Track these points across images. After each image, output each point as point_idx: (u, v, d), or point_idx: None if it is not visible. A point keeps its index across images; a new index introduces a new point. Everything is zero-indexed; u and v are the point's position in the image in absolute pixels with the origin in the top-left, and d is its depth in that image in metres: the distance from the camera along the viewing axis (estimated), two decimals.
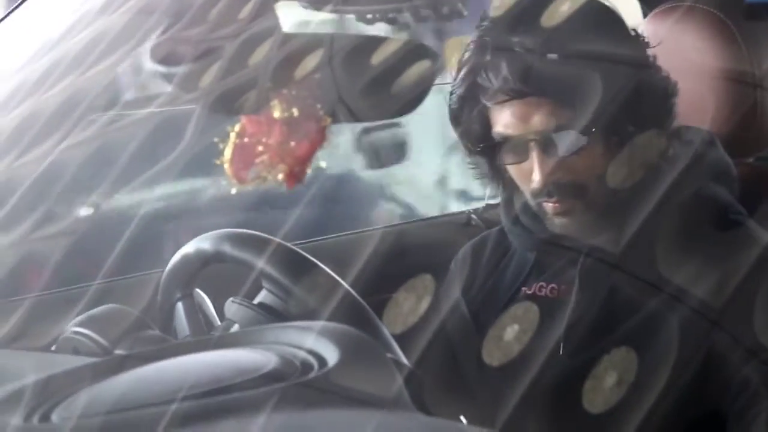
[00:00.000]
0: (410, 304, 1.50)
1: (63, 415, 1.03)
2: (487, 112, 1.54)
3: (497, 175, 1.61)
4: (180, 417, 1.02)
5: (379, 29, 1.13)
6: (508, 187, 1.64)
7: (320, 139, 1.11)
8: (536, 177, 1.51)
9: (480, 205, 2.11)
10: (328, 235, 2.05)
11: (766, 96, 1.65)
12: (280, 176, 1.11)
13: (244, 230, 1.54)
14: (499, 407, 1.55)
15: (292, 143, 1.11)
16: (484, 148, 1.57)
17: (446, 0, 1.17)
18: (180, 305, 1.56)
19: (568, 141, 1.49)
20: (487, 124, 1.55)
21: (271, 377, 1.08)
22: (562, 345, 1.56)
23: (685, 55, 1.68)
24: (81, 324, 1.41)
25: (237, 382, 1.07)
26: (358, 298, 1.46)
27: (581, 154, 1.51)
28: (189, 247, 1.56)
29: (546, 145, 1.50)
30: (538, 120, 1.50)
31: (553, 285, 1.60)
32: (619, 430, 1.32)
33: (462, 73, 1.55)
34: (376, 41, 1.14)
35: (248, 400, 1.05)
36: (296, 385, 1.07)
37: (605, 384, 1.46)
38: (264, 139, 1.12)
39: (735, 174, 1.58)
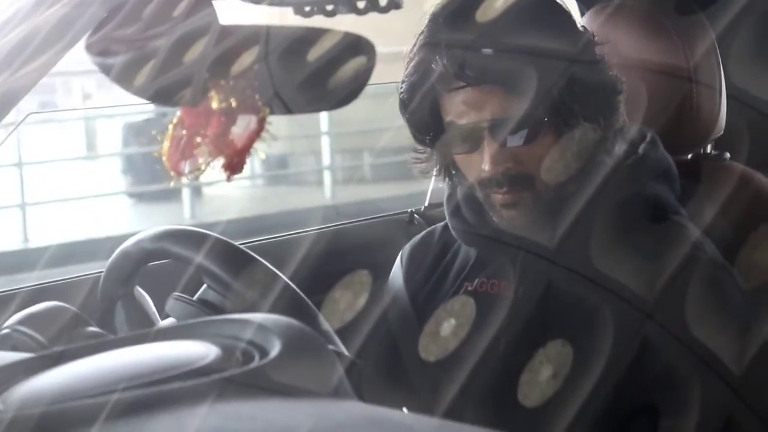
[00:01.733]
0: (347, 300, 1.50)
1: (2, 406, 1.03)
2: (440, 100, 1.55)
3: (445, 167, 1.62)
4: (120, 407, 1.01)
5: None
6: (453, 182, 1.65)
7: (258, 129, 1.11)
8: (486, 166, 1.52)
9: (422, 204, 2.12)
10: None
11: (700, 89, 1.68)
12: (220, 166, 1.11)
13: (185, 227, 1.54)
14: (438, 401, 1.56)
15: (231, 134, 1.11)
16: (434, 138, 1.57)
17: None
18: (120, 304, 1.55)
19: (519, 130, 1.49)
20: (438, 113, 1.56)
21: (212, 368, 1.07)
22: (501, 340, 1.57)
23: (618, 50, 1.70)
24: (19, 322, 1.40)
25: (177, 372, 1.06)
26: (298, 291, 1.46)
27: (531, 145, 1.51)
28: (129, 244, 1.56)
29: (498, 133, 1.51)
30: (491, 108, 1.51)
31: (493, 281, 1.62)
32: (553, 423, 1.33)
33: (415, 61, 1.56)
34: (313, 35, 1.14)
35: (189, 391, 1.04)
36: (237, 375, 1.07)
37: (540, 377, 1.47)
38: (202, 131, 1.12)
39: (675, 173, 1.61)
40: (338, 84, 1.08)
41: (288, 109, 1.09)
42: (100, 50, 1.11)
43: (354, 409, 1.07)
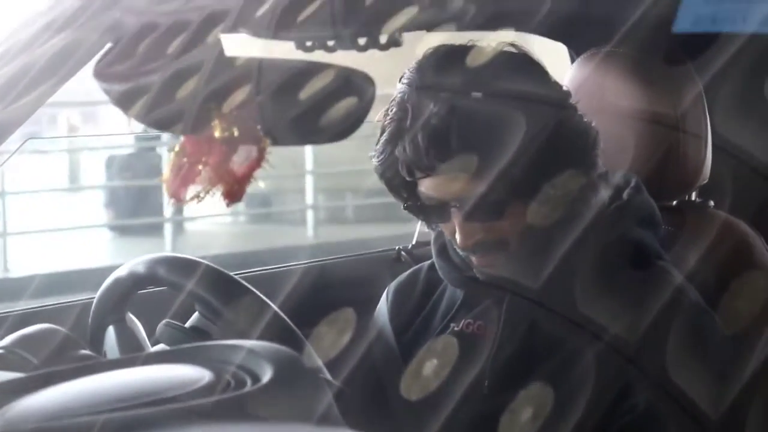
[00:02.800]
0: (332, 337, 1.52)
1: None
2: (405, 177, 1.59)
3: (427, 221, 1.65)
4: (113, 427, 1.03)
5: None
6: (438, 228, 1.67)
7: (259, 159, 1.13)
8: (458, 239, 1.56)
9: (409, 242, 2.14)
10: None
11: (686, 138, 1.70)
12: (219, 194, 1.13)
13: (178, 254, 1.55)
14: None
15: (231, 163, 1.13)
16: (410, 206, 1.62)
17: (383, 30, 1.19)
18: (112, 329, 1.56)
19: (488, 206, 1.53)
20: (411, 185, 1.59)
21: (204, 391, 1.09)
22: (486, 382, 1.59)
23: (607, 97, 1.73)
24: (13, 343, 1.42)
25: (171, 395, 1.08)
26: (288, 321, 1.48)
27: (501, 219, 1.55)
28: (121, 271, 1.57)
29: (464, 212, 1.54)
30: (457, 188, 1.54)
31: (480, 322, 1.64)
32: None
33: (383, 139, 1.59)
34: (306, 72, 1.17)
35: (181, 412, 1.06)
36: (229, 399, 1.08)
37: (521, 418, 1.49)
38: (204, 158, 1.14)
39: (659, 218, 1.63)
40: (333, 120, 1.11)
41: (289, 140, 1.12)
42: (107, 78, 1.13)
43: None
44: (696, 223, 1.68)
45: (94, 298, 1.61)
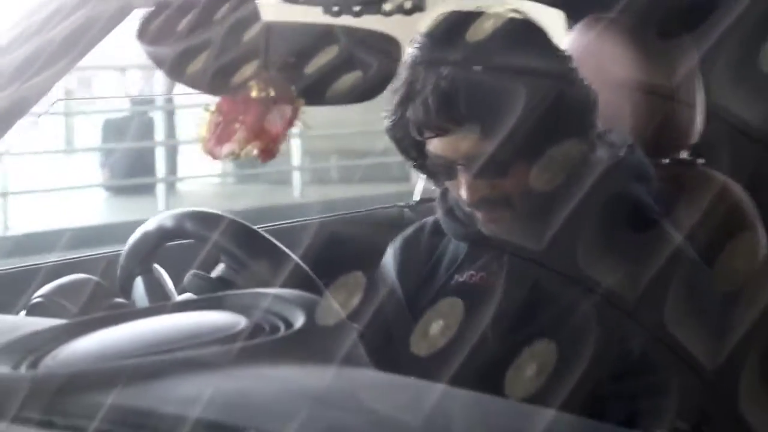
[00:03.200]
0: (341, 299, 1.54)
1: (48, 365, 1.07)
2: (416, 135, 1.61)
3: (434, 179, 1.67)
4: (159, 368, 1.05)
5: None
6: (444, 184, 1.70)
7: (293, 118, 1.16)
8: (464, 194, 1.58)
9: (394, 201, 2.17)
10: None
11: (680, 107, 1.73)
12: (255, 152, 1.16)
13: (203, 209, 1.58)
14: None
15: (267, 122, 1.15)
16: (418, 164, 1.65)
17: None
18: (140, 279, 1.59)
19: (494, 165, 1.55)
20: (421, 144, 1.61)
21: (241, 336, 1.12)
22: (489, 330, 1.62)
23: (606, 67, 1.75)
24: (51, 292, 1.44)
25: (211, 339, 1.11)
26: (308, 270, 1.51)
27: (506, 176, 1.58)
28: (149, 225, 1.60)
29: (471, 169, 1.56)
30: (465, 148, 1.56)
31: (482, 274, 1.67)
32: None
33: (395, 101, 1.61)
34: (337, 36, 1.19)
35: (222, 355, 1.08)
36: (264, 343, 1.11)
37: (525, 374, 1.50)
38: (241, 118, 1.16)
39: (653, 174, 1.66)
40: (364, 80, 1.14)
41: (321, 101, 1.15)
42: (151, 41, 1.15)
43: (369, 375, 1.12)
44: (695, 185, 1.71)
45: (120, 251, 1.64)
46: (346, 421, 1.02)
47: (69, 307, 1.43)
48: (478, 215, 1.61)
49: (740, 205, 1.71)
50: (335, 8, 1.28)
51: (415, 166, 1.65)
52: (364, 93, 1.21)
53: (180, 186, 9.83)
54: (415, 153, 1.63)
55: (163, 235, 1.59)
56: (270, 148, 1.17)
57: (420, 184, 2.14)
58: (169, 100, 9.38)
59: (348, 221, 2.14)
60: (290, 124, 1.16)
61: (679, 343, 1.45)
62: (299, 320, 1.16)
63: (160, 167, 9.01)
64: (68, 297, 1.44)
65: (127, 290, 1.59)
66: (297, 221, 2.11)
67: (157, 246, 1.60)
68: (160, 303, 1.50)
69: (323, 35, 1.18)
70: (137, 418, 1.01)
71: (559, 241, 1.53)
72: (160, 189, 9.00)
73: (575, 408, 1.48)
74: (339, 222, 2.12)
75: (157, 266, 1.62)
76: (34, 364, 1.07)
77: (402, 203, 2.14)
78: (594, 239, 1.53)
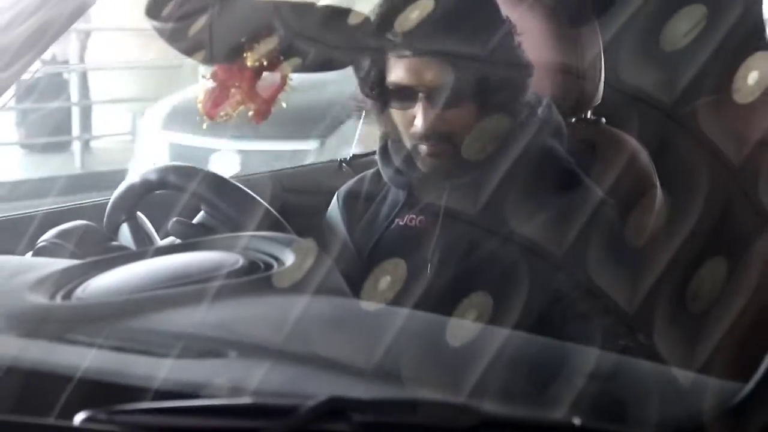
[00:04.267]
0: (296, 263, 1.57)
1: (80, 296, 1.13)
2: (386, 62, 1.65)
3: (383, 118, 1.70)
4: (176, 299, 1.13)
5: None
6: (386, 133, 1.75)
7: (282, 84, 1.23)
8: (419, 123, 1.62)
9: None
10: None
11: (587, 83, 1.84)
12: (250, 113, 1.23)
13: (183, 163, 1.64)
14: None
15: (260, 87, 1.23)
16: (378, 93, 1.67)
17: None
18: (125, 225, 1.64)
19: (448, 97, 1.61)
20: (383, 73, 1.65)
21: (242, 271, 1.20)
22: (429, 266, 1.68)
23: (528, 45, 1.83)
24: (54, 236, 1.49)
25: (218, 273, 1.18)
26: (278, 216, 1.58)
27: (456, 110, 1.63)
28: (135, 178, 1.65)
29: (431, 98, 1.61)
30: (429, 76, 1.60)
31: (421, 217, 1.71)
32: (476, 360, 1.39)
33: (373, 25, 1.62)
34: (316, 12, 1.27)
35: (228, 288, 1.16)
36: (262, 278, 1.19)
37: (465, 323, 1.52)
38: (237, 83, 1.23)
39: (565, 131, 1.73)
40: (339, 50, 1.22)
41: (305, 69, 1.23)
42: (159, 18, 1.21)
43: (352, 303, 1.21)
44: (600, 141, 1.81)
45: (106, 199, 1.68)
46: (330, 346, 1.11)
47: (71, 249, 1.48)
48: (422, 149, 1.65)
49: (646, 166, 1.81)
50: None
51: (376, 95, 1.67)
52: (339, 62, 1.29)
53: (94, 144, 9.68)
54: (377, 81, 1.66)
55: (147, 186, 1.64)
56: (263, 110, 1.24)
57: (356, 141, 2.21)
58: (82, 62, 9.19)
59: (295, 174, 2.20)
60: (280, 89, 1.23)
61: (603, 292, 1.50)
62: (289, 258, 1.24)
63: (75, 126, 8.85)
64: (70, 240, 1.49)
65: (113, 236, 1.64)
66: (250, 174, 2.17)
67: (141, 196, 1.65)
68: (165, 244, 1.56)
69: (306, 14, 1.25)
70: (164, 339, 1.09)
71: (488, 194, 1.60)
72: (77, 146, 8.85)
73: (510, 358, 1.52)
74: (288, 175, 2.19)
75: (139, 214, 1.67)
76: (67, 296, 1.13)
77: (341, 158, 2.22)
78: (519, 194, 1.59)
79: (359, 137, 2.36)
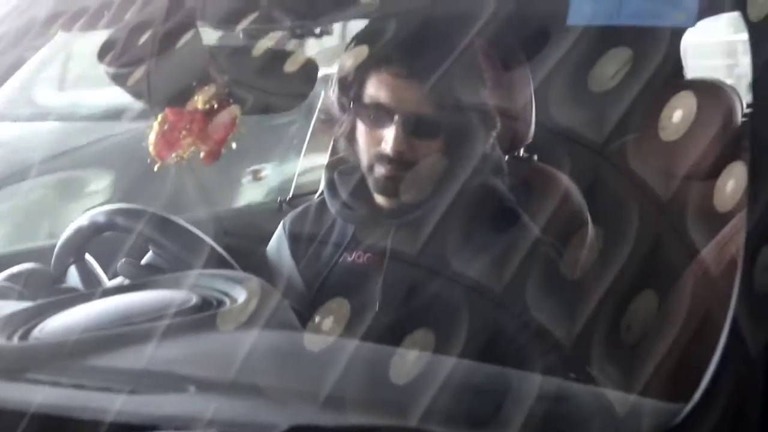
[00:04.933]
0: (248, 299, 1.56)
1: (38, 336, 1.13)
2: (369, 77, 1.61)
3: (348, 135, 1.65)
4: (131, 337, 1.13)
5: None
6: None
7: (232, 125, 1.25)
8: (388, 145, 1.59)
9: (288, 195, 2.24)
10: None
11: (519, 124, 1.88)
12: (202, 155, 1.24)
13: (131, 205, 1.64)
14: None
15: (212, 129, 1.24)
16: (354, 104, 1.62)
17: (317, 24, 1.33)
18: (73, 268, 1.63)
19: (424, 126, 1.59)
20: (362, 88, 1.61)
21: (196, 308, 1.20)
22: (377, 303, 1.65)
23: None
24: (3, 279, 1.48)
25: (171, 311, 1.19)
26: (225, 254, 1.58)
27: (427, 142, 1.60)
28: (82, 221, 1.64)
29: (407, 122, 1.58)
30: (412, 100, 1.58)
31: (369, 255, 1.68)
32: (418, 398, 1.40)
33: (361, 35, 1.61)
34: (266, 56, 1.29)
35: (182, 325, 1.17)
36: (216, 315, 1.20)
37: (408, 359, 1.53)
38: (187, 126, 1.24)
39: (506, 169, 1.72)
40: (290, 90, 1.23)
41: (254, 111, 1.24)
42: (111, 64, 1.22)
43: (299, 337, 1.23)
44: (534, 177, 1.83)
45: (55, 243, 1.67)
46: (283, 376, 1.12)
47: (21, 291, 1.47)
48: (379, 171, 1.63)
49: (578, 203, 1.82)
50: (253, 33, 1.37)
51: (351, 105, 1.63)
52: (289, 103, 1.31)
53: None
54: (354, 93, 1.62)
55: (95, 229, 1.64)
56: (214, 152, 1.25)
57: (294, 181, 2.22)
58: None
59: (234, 215, 2.21)
60: (231, 130, 1.25)
61: (541, 326, 1.51)
62: (242, 295, 1.25)
63: None
64: (19, 283, 1.48)
65: (61, 278, 1.64)
66: (191, 215, 2.17)
67: (89, 239, 1.65)
68: (117, 284, 1.56)
69: (255, 57, 1.27)
70: (121, 377, 1.09)
71: (431, 232, 1.60)
72: None
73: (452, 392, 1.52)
74: (228, 217, 2.19)
75: (88, 255, 1.67)
76: (24, 336, 1.13)
77: (281, 198, 2.22)
78: (462, 233, 1.59)
79: (298, 175, 2.37)
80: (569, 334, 1.51)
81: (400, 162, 1.60)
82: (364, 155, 1.65)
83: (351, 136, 1.66)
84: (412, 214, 1.65)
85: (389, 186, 1.63)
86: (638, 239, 1.61)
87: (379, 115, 1.60)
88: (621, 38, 1.47)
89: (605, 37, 1.52)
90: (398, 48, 1.56)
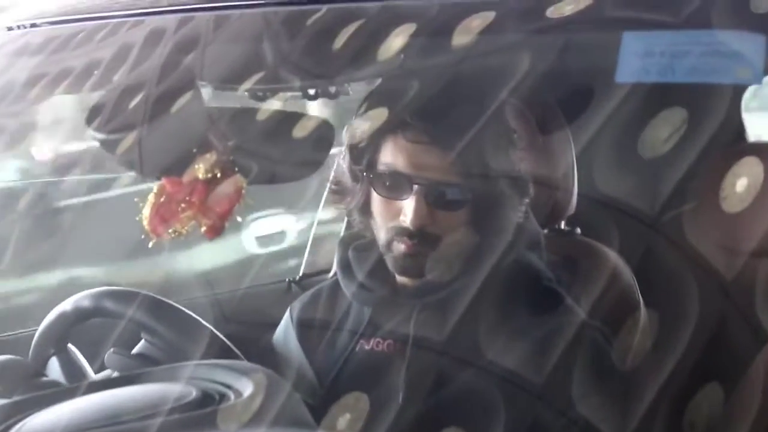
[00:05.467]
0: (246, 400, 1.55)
1: None
2: (386, 141, 1.61)
3: (362, 208, 1.65)
4: None
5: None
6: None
7: (237, 196, 1.25)
8: (408, 218, 1.58)
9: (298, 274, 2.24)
10: None
11: (560, 194, 1.87)
12: (203, 229, 1.24)
13: (120, 287, 1.63)
14: None
15: (213, 201, 1.24)
16: (368, 172, 1.62)
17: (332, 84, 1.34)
18: (55, 359, 1.63)
19: (448, 198, 1.58)
20: (377, 154, 1.60)
21: (195, 405, 1.20)
22: (401, 395, 1.62)
23: None
24: None
25: (167, 408, 1.18)
26: (226, 341, 1.57)
27: (452, 213, 1.59)
28: (66, 305, 1.64)
29: (429, 194, 1.58)
30: (433, 169, 1.57)
31: (389, 341, 1.67)
32: None
33: (374, 95, 1.61)
34: (274, 119, 1.30)
35: (180, 423, 1.16)
36: (218, 410, 1.19)
37: None
38: (187, 198, 1.25)
39: (543, 243, 1.71)
40: (305, 159, 1.24)
41: (262, 179, 1.24)
42: (101, 131, 1.23)
43: None
44: (579, 254, 1.82)
45: (34, 330, 1.67)
46: None
47: None
48: (399, 246, 1.61)
49: (629, 283, 1.81)
50: (259, 94, 1.38)
51: (366, 175, 1.62)
52: (304, 171, 1.31)
53: None
54: (367, 160, 1.62)
55: (80, 315, 1.63)
56: (217, 225, 1.26)
57: (305, 259, 2.22)
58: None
59: (237, 298, 2.20)
60: (236, 201, 1.25)
61: (588, 422, 1.49)
62: (247, 388, 1.24)
63: None
64: None
65: (41, 371, 1.63)
66: (188, 299, 2.17)
67: (73, 326, 1.64)
68: (105, 377, 1.55)
69: (262, 120, 1.28)
70: None
71: (459, 315, 1.59)
72: None
73: None
74: (229, 299, 2.18)
75: (70, 345, 1.66)
76: None
77: (289, 278, 2.21)
78: (495, 316, 1.57)
79: (309, 252, 2.37)
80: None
81: (422, 236, 1.59)
82: (381, 231, 1.64)
83: (365, 209, 1.65)
84: (437, 294, 1.63)
85: (410, 264, 1.62)
86: (699, 324, 1.59)
87: (396, 184, 1.59)
88: (675, 97, 1.48)
89: (657, 97, 1.52)
90: (417, 111, 1.56)
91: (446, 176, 1.57)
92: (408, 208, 1.58)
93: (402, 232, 1.60)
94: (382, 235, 1.64)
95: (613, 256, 1.82)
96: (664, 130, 1.77)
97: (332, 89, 1.43)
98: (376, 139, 1.60)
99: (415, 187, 1.58)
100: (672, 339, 1.60)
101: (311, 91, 1.37)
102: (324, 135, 1.41)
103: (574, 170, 1.91)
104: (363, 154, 1.62)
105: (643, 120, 1.66)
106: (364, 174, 1.62)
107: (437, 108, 1.57)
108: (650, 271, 1.80)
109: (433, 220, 1.59)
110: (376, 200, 1.63)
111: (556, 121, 1.89)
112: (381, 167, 1.60)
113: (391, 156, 1.60)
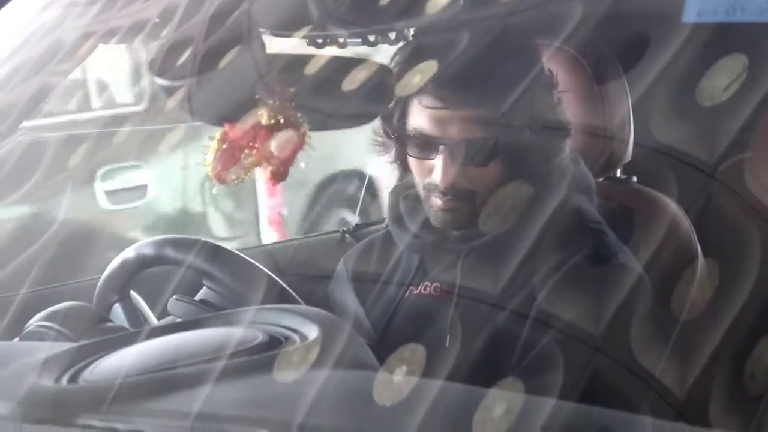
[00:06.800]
0: (300, 354, 1.55)
1: (88, 378, 1.14)
2: (410, 105, 1.64)
3: (401, 162, 1.69)
4: (196, 378, 1.14)
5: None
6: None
7: (300, 142, 1.26)
8: (437, 177, 1.61)
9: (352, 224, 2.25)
10: None
11: (614, 143, 1.86)
12: (267, 174, 1.25)
13: (182, 235, 1.65)
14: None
15: (277, 146, 1.25)
16: (397, 135, 1.66)
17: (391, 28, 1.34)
18: (118, 306, 1.65)
19: (474, 154, 1.60)
20: (405, 117, 1.64)
21: (263, 347, 1.20)
22: (448, 337, 1.65)
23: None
24: (45, 318, 1.49)
25: (234, 351, 1.19)
26: (287, 288, 1.59)
27: (481, 168, 1.62)
28: (129, 253, 1.66)
29: (455, 153, 1.60)
30: (454, 129, 1.60)
31: (437, 284, 1.70)
32: None
33: (403, 56, 1.60)
34: (335, 65, 1.30)
35: (249, 365, 1.17)
36: (286, 353, 1.20)
37: (494, 414, 1.52)
38: (250, 144, 1.25)
39: (594, 187, 1.72)
40: (363, 105, 1.25)
41: (324, 126, 1.25)
42: (166, 76, 1.24)
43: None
44: (647, 214, 1.80)
45: (97, 277, 1.69)
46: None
47: (65, 332, 1.48)
48: (435, 202, 1.64)
49: (687, 234, 1.79)
50: (319, 41, 1.38)
51: (394, 139, 1.66)
52: (366, 116, 1.31)
53: None
54: (398, 123, 1.65)
55: (143, 262, 1.65)
56: (280, 171, 1.26)
57: (358, 210, 2.24)
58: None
59: (293, 247, 2.22)
60: (299, 147, 1.26)
61: (649, 373, 1.49)
62: (312, 332, 1.25)
63: None
64: (63, 323, 1.49)
65: (105, 317, 1.64)
66: (243, 249, 2.19)
67: (136, 273, 1.66)
68: (178, 321, 1.56)
69: (322, 67, 1.28)
70: (183, 421, 1.09)
71: (507, 260, 1.59)
72: None
73: None
74: (287, 247, 2.20)
75: (133, 292, 1.68)
76: (74, 379, 1.14)
77: (344, 228, 2.23)
78: (544, 262, 1.58)
79: (362, 204, 2.38)
80: (683, 384, 1.48)
81: (455, 193, 1.62)
82: (419, 186, 1.67)
83: (404, 163, 1.69)
84: (482, 239, 1.65)
85: (449, 219, 1.65)
86: (759, 273, 1.58)
87: (423, 145, 1.63)
88: (735, 44, 1.46)
89: (717, 43, 1.51)
90: (435, 78, 1.57)
91: (471, 133, 1.59)
92: (437, 167, 1.61)
93: (435, 189, 1.64)
94: (420, 190, 1.68)
95: (670, 205, 1.81)
96: (723, 78, 1.75)
97: (392, 35, 1.42)
98: (401, 100, 1.63)
99: (441, 147, 1.60)
100: (732, 289, 1.59)
101: (371, 38, 1.37)
102: (385, 80, 1.41)
103: (630, 119, 1.89)
104: (392, 114, 1.65)
105: (701, 67, 1.65)
106: (395, 135, 1.65)
107: (458, 65, 1.57)
108: (709, 220, 1.79)
109: (464, 176, 1.62)
110: (410, 159, 1.66)
111: (612, 69, 1.87)
112: (409, 128, 1.63)
113: (416, 119, 1.63)
